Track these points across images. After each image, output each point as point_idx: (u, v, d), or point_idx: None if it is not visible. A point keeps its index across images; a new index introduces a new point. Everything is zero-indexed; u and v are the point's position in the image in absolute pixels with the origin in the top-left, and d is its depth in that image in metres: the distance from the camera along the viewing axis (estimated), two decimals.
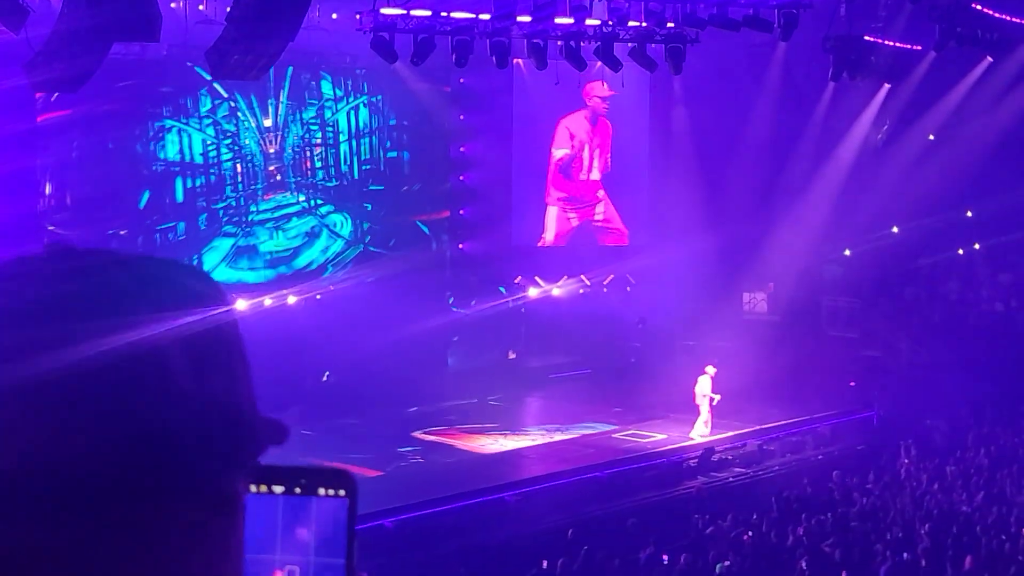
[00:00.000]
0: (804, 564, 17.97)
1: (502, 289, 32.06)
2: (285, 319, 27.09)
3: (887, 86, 30.33)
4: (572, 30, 24.33)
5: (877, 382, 28.48)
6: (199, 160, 28.82)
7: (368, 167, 31.70)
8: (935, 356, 28.89)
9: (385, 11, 22.59)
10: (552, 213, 33.05)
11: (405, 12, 22.68)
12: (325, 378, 27.91)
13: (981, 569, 17.25)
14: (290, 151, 30.46)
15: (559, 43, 24.74)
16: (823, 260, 31.63)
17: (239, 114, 29.32)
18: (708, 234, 30.11)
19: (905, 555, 18.10)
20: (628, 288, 32.88)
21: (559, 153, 32.94)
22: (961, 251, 32.53)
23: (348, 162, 31.68)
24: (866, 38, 26.93)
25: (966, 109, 30.94)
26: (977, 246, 32.47)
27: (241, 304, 26.91)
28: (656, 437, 25.74)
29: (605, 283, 32.88)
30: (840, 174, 31.61)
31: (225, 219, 29.41)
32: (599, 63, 25.45)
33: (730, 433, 25.85)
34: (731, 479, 24.35)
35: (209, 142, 29.00)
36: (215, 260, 28.53)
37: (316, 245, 31.35)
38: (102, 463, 1.02)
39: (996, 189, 30.35)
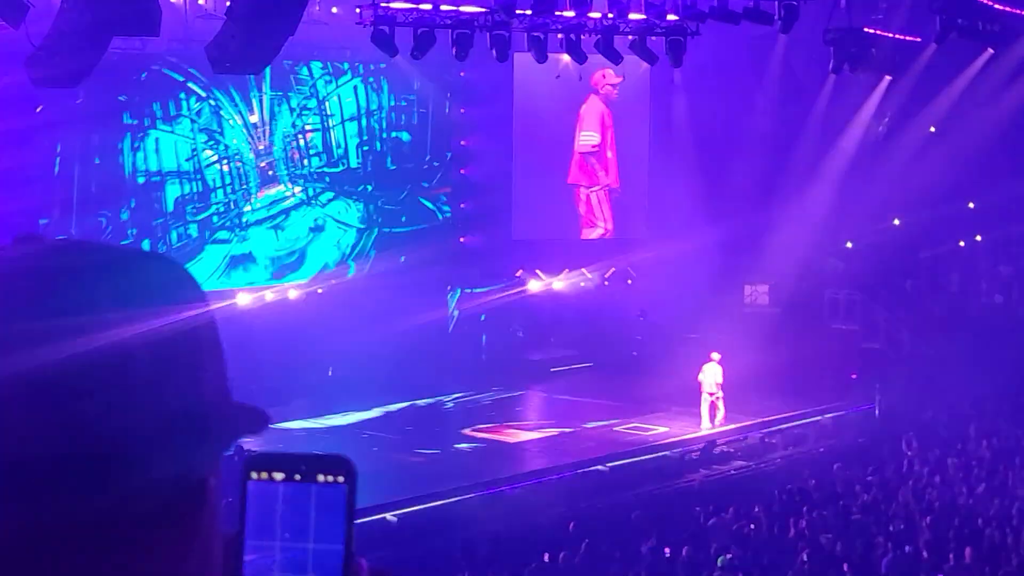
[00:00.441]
0: (806, 556, 17.98)
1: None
2: (285, 314, 27.10)
3: (888, 78, 30.30)
4: (573, 23, 24.31)
5: (879, 374, 28.48)
6: (186, 167, 28.11)
7: (367, 148, 31.24)
8: (937, 348, 28.89)
9: (388, 3, 22.58)
10: (593, 200, 33.08)
11: (407, 6, 22.65)
12: (330, 373, 27.87)
13: (983, 561, 17.26)
14: (280, 143, 29.83)
15: (559, 36, 24.73)
16: (824, 252, 31.61)
17: (222, 113, 28.60)
18: (709, 227, 30.10)
19: (907, 547, 18.11)
20: (629, 281, 32.88)
21: (590, 140, 32.91)
22: (962, 243, 32.51)
23: (343, 145, 31.10)
24: (866, 30, 26.91)
25: (967, 101, 30.90)
26: (979, 238, 32.45)
27: (243, 299, 26.92)
28: (658, 430, 25.76)
29: (606, 276, 32.88)
30: (841, 166, 31.59)
31: (218, 224, 28.75)
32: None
33: (732, 425, 25.89)
34: (733, 472, 24.37)
35: (194, 146, 28.30)
36: (206, 272, 27.39)
37: (326, 240, 30.85)
38: (62, 458, 1.02)
39: (997, 181, 30.33)
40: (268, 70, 27.09)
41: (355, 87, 30.87)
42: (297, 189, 30.35)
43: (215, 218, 28.86)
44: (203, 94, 28.01)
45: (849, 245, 32.09)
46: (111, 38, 16.57)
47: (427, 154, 31.85)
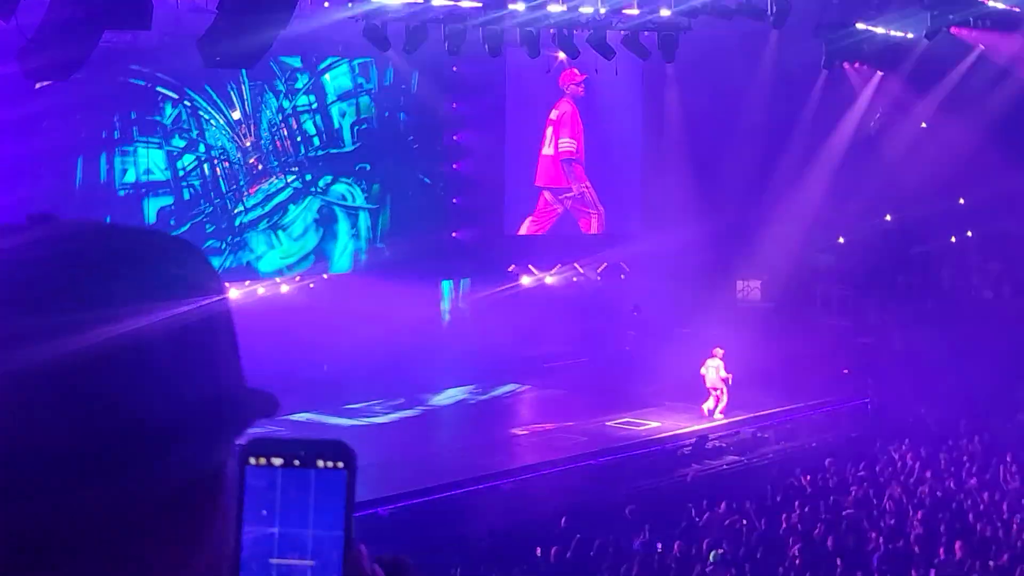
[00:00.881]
0: (797, 551, 18.02)
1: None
2: (278, 308, 27.05)
3: (880, 74, 30.34)
4: (565, 18, 24.31)
5: (870, 369, 28.53)
6: (164, 176, 27.14)
7: (364, 126, 30.58)
8: (928, 343, 28.94)
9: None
10: (545, 201, 33.05)
11: (400, 3, 22.62)
12: (325, 368, 27.80)
13: (973, 555, 17.31)
14: (268, 134, 29.00)
15: (551, 31, 24.73)
16: (816, 248, 31.65)
17: (201, 114, 27.71)
18: (702, 222, 30.12)
19: (898, 542, 18.16)
20: (622, 276, 32.91)
21: (569, 147, 32.90)
22: (954, 239, 32.57)
23: (338, 125, 30.34)
24: (858, 26, 26.94)
25: (958, 97, 30.94)
26: (970, 233, 32.52)
27: (234, 293, 26.89)
28: (650, 425, 25.79)
29: (599, 271, 32.90)
30: (833, 162, 31.62)
31: (210, 232, 27.94)
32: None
33: (724, 420, 25.94)
34: (725, 467, 24.41)
35: (174, 153, 27.38)
36: None
37: (339, 230, 30.09)
38: (86, 445, 1.02)
39: (988, 177, 30.37)
40: None
41: (345, 71, 30.26)
42: (291, 179, 29.58)
43: (208, 226, 28.04)
44: (175, 96, 27.12)
45: (841, 240, 32.13)
46: (103, 31, 16.53)
47: (424, 130, 31.52)
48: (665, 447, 24.54)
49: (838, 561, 17.50)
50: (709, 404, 26.11)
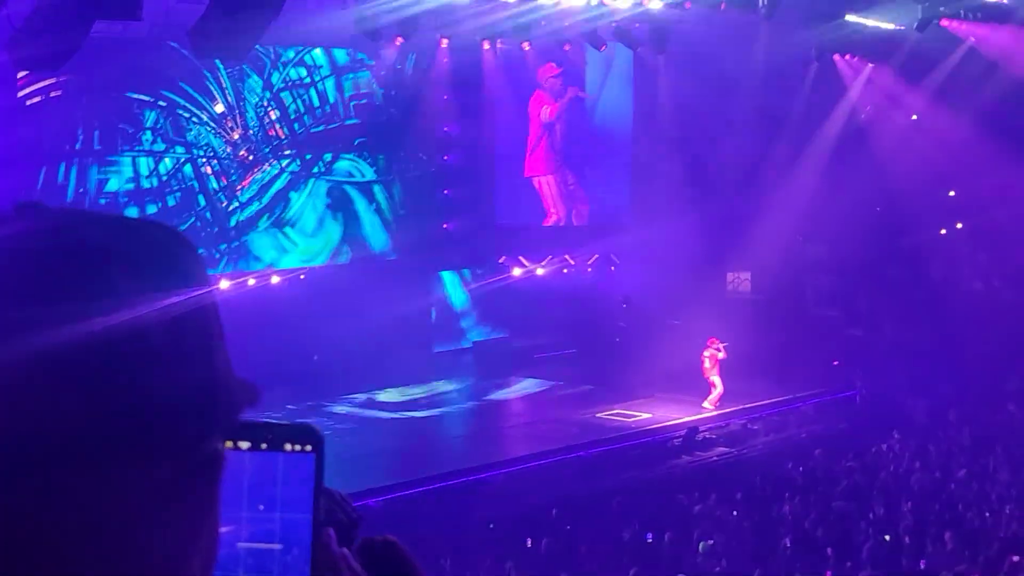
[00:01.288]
0: (787, 542, 18.05)
1: None
2: (268, 300, 26.99)
3: (870, 66, 30.36)
4: (556, 11, 24.29)
5: (860, 361, 28.57)
6: (148, 184, 26.00)
7: (364, 102, 29.66)
8: (918, 335, 28.99)
9: None
10: (546, 190, 33.02)
11: None
12: (315, 359, 27.74)
13: (963, 546, 17.35)
14: (255, 120, 27.91)
15: (542, 23, 24.72)
16: (807, 240, 31.66)
17: (179, 112, 26.48)
18: (692, 214, 30.12)
19: (888, 533, 18.20)
20: (612, 268, 32.91)
21: (543, 136, 32.88)
22: (944, 231, 32.61)
23: (334, 99, 29.29)
24: (849, 18, 26.95)
25: (949, 89, 30.97)
26: (959, 225, 32.56)
27: (224, 284, 26.80)
28: (640, 416, 25.80)
29: (589, 263, 32.89)
30: (824, 154, 31.63)
31: (204, 236, 27.07)
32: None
33: (714, 412, 25.97)
34: (715, 458, 24.44)
35: (156, 158, 26.22)
36: None
37: (359, 209, 29.46)
38: (87, 434, 1.02)
39: (978, 169, 30.42)
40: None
41: (335, 54, 29.22)
42: (285, 162, 28.55)
43: (200, 232, 27.16)
44: (149, 99, 25.97)
45: (831, 233, 32.13)
46: (93, 22, 16.49)
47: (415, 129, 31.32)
48: (655, 439, 24.55)
49: (828, 552, 17.54)
50: (712, 397, 26.19)
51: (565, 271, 32.52)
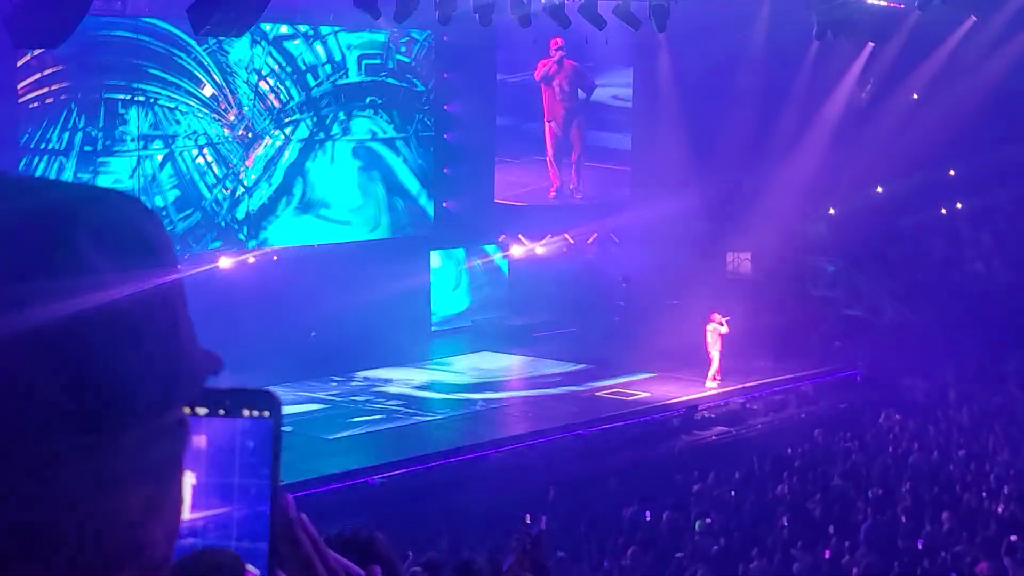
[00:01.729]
0: (785, 522, 18.09)
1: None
2: (266, 277, 26.98)
3: (871, 44, 30.28)
4: None
5: (860, 341, 28.59)
6: (132, 184, 24.71)
7: (377, 62, 28.88)
8: (918, 315, 29.00)
9: None
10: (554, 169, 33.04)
11: None
12: (312, 335, 27.75)
13: (961, 526, 17.40)
14: (250, 92, 26.95)
15: (542, 1, 24.63)
16: (808, 220, 31.64)
17: (162, 104, 25.46)
18: (692, 193, 30.10)
19: (886, 513, 18.24)
20: (612, 247, 32.90)
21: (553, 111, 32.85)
22: (944, 210, 32.59)
23: (340, 56, 28.36)
24: None
25: (950, 68, 30.92)
26: (960, 205, 32.54)
27: (225, 262, 26.79)
28: (639, 395, 25.83)
29: (589, 241, 32.89)
30: (825, 133, 31.60)
31: (211, 234, 26.54)
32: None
33: (714, 391, 26.00)
34: (714, 437, 24.48)
35: (144, 155, 25.41)
36: None
37: (395, 167, 29.04)
38: (50, 404, 1.02)
39: (980, 148, 30.39)
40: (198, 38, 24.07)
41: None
42: (288, 130, 27.60)
43: (205, 229, 26.55)
44: (126, 97, 25.01)
45: (832, 212, 32.14)
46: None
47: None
48: (654, 417, 24.58)
49: (827, 531, 17.59)
50: (710, 372, 26.25)
51: (564, 250, 32.52)
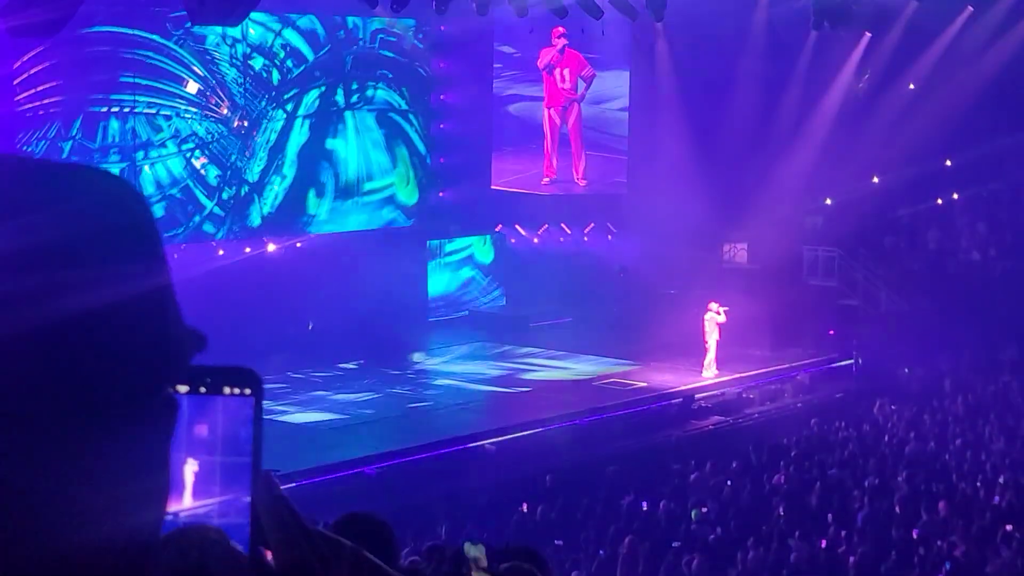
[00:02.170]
0: (782, 511, 18.12)
1: None
2: (264, 267, 26.96)
3: (868, 35, 30.24)
4: None
5: (856, 331, 28.59)
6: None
7: (391, 38, 28.62)
8: (914, 305, 29.00)
9: None
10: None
11: None
12: (310, 327, 27.73)
13: (956, 515, 17.43)
14: (239, 79, 26.32)
15: None
16: (803, 210, 31.61)
17: (144, 111, 24.70)
18: (689, 183, 30.05)
19: (882, 502, 18.27)
20: (609, 237, 32.88)
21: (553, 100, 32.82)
22: (940, 200, 32.58)
23: (351, 24, 27.93)
24: None
25: (947, 59, 30.88)
26: (956, 196, 32.52)
27: (223, 251, 26.77)
28: (636, 385, 25.85)
29: (586, 232, 32.87)
30: (822, 124, 31.55)
31: (220, 235, 26.15)
32: None
33: (710, 381, 26.02)
34: (711, 427, 24.50)
35: (134, 166, 24.60)
36: None
37: (412, 134, 29.04)
38: (42, 386, 1.03)
39: (975, 139, 30.37)
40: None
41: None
42: (290, 107, 27.09)
43: (214, 230, 26.33)
44: (103, 110, 24.39)
45: (828, 202, 32.11)
46: None
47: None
48: (651, 407, 24.60)
49: (824, 519, 17.62)
50: (709, 366, 26.26)
51: (561, 240, 32.51)
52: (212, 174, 26.27)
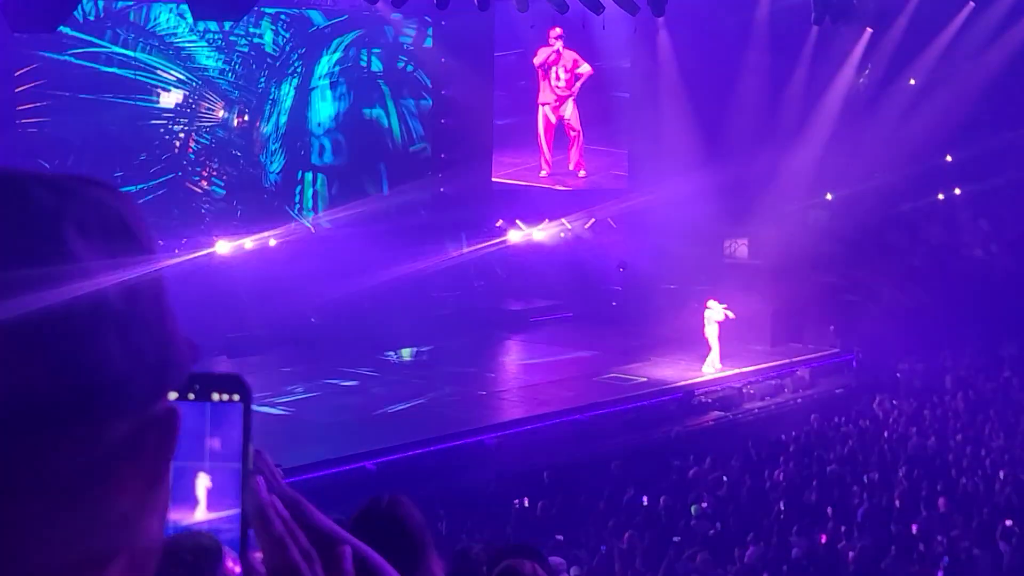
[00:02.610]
0: (781, 506, 18.13)
1: None
2: (265, 262, 26.96)
3: (869, 31, 30.22)
4: None
5: (857, 326, 28.60)
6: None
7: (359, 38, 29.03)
8: (915, 300, 29.00)
9: None
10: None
11: None
12: (312, 320, 27.72)
13: (956, 510, 17.44)
14: (228, 64, 26.32)
15: None
16: (805, 205, 31.60)
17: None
18: (690, 178, 30.03)
19: (882, 497, 18.28)
20: (609, 231, 32.87)
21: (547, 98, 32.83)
22: (942, 196, 32.57)
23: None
24: None
25: (949, 55, 30.87)
26: (958, 191, 32.52)
27: (222, 247, 26.77)
28: (637, 380, 25.85)
29: (587, 226, 32.86)
30: (824, 119, 31.53)
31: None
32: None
33: (710, 376, 26.02)
34: (711, 422, 24.50)
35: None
36: None
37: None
38: (42, 396, 1.02)
39: (977, 135, 30.36)
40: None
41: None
42: (296, 81, 27.25)
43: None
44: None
45: (829, 197, 32.11)
46: None
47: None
48: (651, 402, 24.60)
49: (824, 515, 17.62)
50: (711, 361, 26.26)
51: (562, 235, 32.50)
52: (221, 162, 26.68)
